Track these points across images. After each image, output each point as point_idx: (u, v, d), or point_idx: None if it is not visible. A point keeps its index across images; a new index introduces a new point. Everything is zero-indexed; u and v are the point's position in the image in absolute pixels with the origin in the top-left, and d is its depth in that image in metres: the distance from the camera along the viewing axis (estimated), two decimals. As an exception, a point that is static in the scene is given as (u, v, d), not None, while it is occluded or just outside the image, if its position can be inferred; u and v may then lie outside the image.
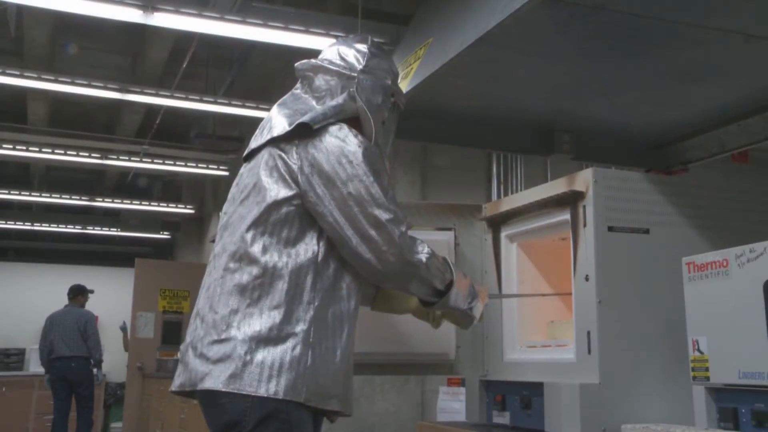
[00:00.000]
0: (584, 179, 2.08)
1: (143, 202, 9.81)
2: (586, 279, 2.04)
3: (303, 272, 1.74)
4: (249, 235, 1.77)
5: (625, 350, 2.00)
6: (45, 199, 9.51)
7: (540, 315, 2.41)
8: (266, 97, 6.80)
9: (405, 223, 1.80)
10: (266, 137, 1.84)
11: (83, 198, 9.52)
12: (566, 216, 2.14)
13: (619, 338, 2.00)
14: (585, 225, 2.06)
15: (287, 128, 1.80)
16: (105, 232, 11.17)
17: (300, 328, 1.71)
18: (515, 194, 2.58)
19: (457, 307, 1.96)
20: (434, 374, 2.70)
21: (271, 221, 1.76)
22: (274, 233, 1.76)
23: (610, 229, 2.06)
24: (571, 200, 2.12)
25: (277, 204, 1.77)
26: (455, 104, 2.56)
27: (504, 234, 2.45)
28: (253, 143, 1.90)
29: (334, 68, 1.93)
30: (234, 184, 1.94)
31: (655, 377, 1.99)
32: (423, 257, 1.82)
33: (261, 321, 1.70)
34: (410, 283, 1.85)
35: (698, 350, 1.68)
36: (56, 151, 7.67)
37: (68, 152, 7.74)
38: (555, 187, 2.19)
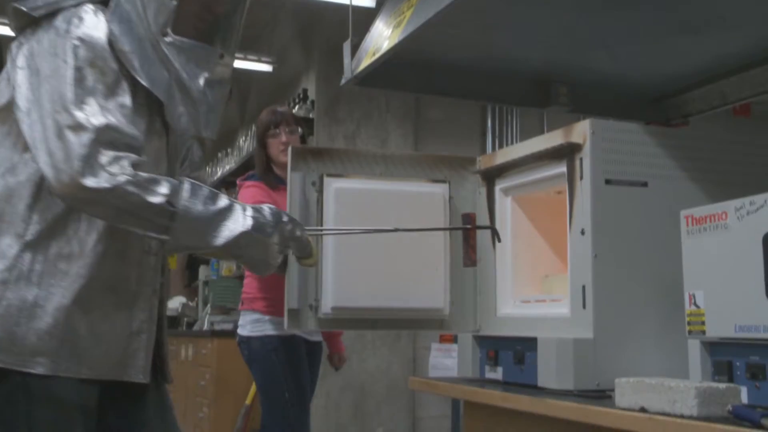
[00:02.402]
0: (581, 131, 2.07)
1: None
2: (582, 233, 2.04)
3: (16, 196, 1.52)
4: None
5: (621, 305, 2.02)
6: None
7: (534, 269, 2.42)
8: (256, 48, 6.73)
9: (94, 132, 1.45)
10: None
11: None
12: (562, 169, 2.14)
13: (615, 293, 2.02)
14: (582, 178, 2.06)
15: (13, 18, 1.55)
16: None
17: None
18: (510, 147, 2.57)
19: (209, 246, 1.55)
20: (427, 329, 2.72)
21: None
22: None
23: (608, 182, 2.06)
24: (567, 153, 2.11)
25: (1, 112, 1.56)
26: (449, 54, 2.53)
27: (498, 187, 2.45)
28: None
29: None
30: None
31: (651, 332, 2.01)
32: (117, 180, 1.44)
33: None
34: (114, 216, 1.49)
35: (695, 304, 1.70)
36: None
37: None
38: (551, 139, 2.18)
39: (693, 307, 1.70)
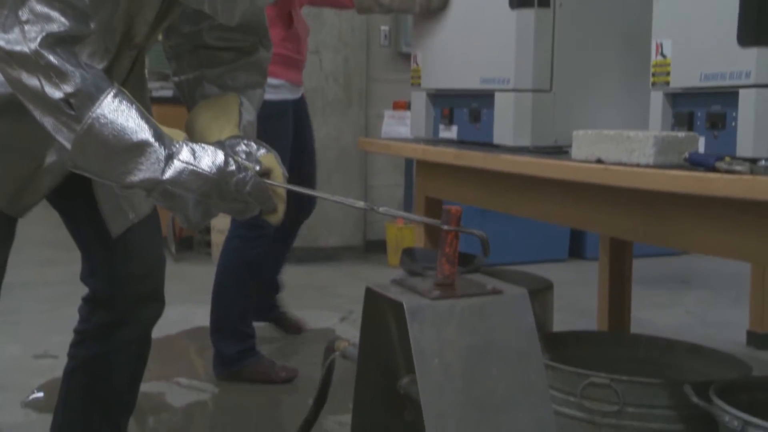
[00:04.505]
0: None
1: None
2: (548, -20, 1.97)
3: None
4: None
5: (584, 57, 2.00)
6: None
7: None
8: None
9: None
10: None
11: None
12: None
13: (578, 46, 1.99)
14: None
15: None
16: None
17: None
18: None
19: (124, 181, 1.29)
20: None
21: None
22: None
23: None
24: None
25: None
26: None
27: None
28: None
29: None
30: None
31: (613, 86, 2.02)
32: (13, 48, 1.22)
33: None
34: (12, 84, 1.29)
35: (661, 54, 1.67)
36: None
37: None
38: None
39: (659, 57, 1.68)
